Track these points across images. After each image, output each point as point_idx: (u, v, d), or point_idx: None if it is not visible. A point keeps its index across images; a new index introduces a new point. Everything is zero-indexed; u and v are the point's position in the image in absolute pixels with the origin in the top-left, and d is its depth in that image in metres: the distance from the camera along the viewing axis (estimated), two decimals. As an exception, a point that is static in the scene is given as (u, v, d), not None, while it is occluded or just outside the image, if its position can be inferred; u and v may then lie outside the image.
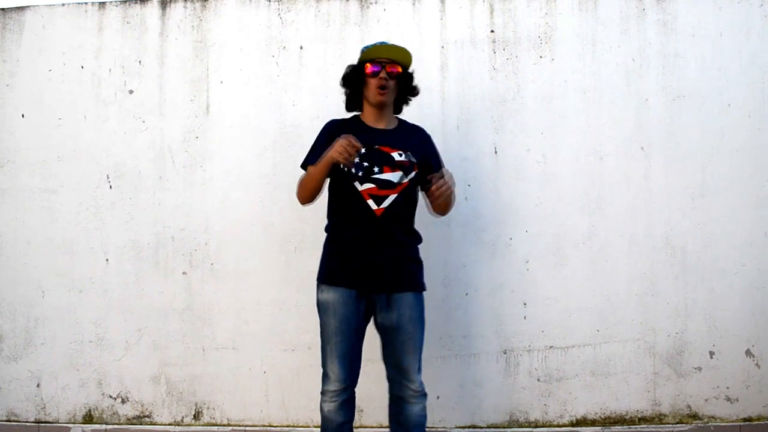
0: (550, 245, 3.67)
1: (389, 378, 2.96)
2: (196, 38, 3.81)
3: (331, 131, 3.01)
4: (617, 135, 3.67)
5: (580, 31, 3.70)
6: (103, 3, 3.85)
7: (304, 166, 3.06)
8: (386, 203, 2.86)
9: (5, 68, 3.86)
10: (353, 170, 2.87)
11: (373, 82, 2.92)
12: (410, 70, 3.05)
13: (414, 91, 3.10)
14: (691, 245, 3.65)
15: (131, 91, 3.82)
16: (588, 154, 3.67)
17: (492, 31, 3.73)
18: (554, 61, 3.70)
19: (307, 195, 3.01)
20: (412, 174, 2.92)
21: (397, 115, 3.12)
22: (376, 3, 3.76)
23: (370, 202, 2.86)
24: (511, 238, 3.68)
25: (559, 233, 3.67)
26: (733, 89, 3.66)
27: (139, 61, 3.82)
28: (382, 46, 2.98)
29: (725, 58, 3.67)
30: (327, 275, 2.98)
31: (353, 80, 3.01)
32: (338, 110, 3.64)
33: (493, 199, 3.67)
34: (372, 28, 3.75)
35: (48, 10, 3.87)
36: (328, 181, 3.00)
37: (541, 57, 3.71)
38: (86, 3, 3.85)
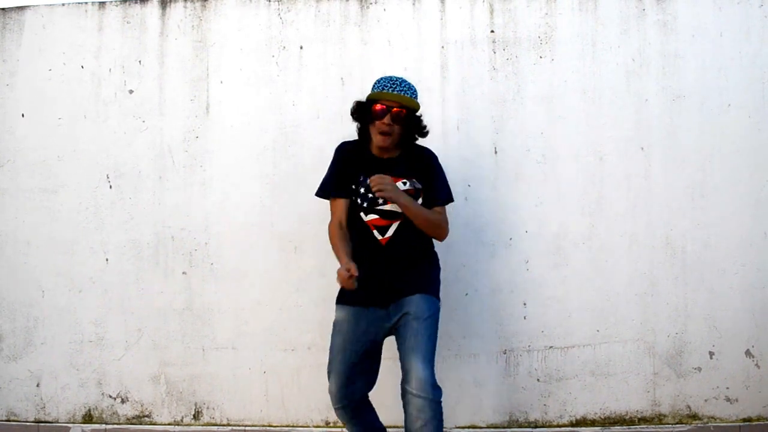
0: (549, 245, 3.67)
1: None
2: (196, 38, 3.81)
3: (344, 155, 3.07)
4: (617, 135, 3.67)
5: (580, 31, 3.70)
6: (103, 3, 3.85)
7: (323, 194, 3.12)
8: (390, 232, 2.93)
9: (5, 68, 3.86)
10: (359, 201, 2.96)
11: (377, 124, 2.93)
12: (418, 113, 3.04)
13: (422, 132, 3.07)
14: (690, 245, 3.65)
15: (131, 91, 3.82)
16: (588, 154, 3.67)
17: (492, 31, 3.73)
18: (554, 62, 3.70)
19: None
20: (419, 201, 2.97)
21: None
22: (376, 3, 3.75)
23: (375, 233, 2.94)
24: (510, 239, 3.68)
25: (559, 233, 3.67)
26: (733, 89, 3.65)
27: (139, 61, 3.82)
28: (391, 93, 2.92)
29: (725, 58, 3.66)
30: (340, 296, 3.00)
31: (362, 114, 3.03)
32: (338, 110, 3.69)
33: (493, 200, 3.67)
34: (372, 28, 3.74)
35: (48, 9, 3.87)
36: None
37: (541, 57, 3.70)
38: (86, 3, 3.85)
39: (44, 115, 3.84)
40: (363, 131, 3.06)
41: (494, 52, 3.72)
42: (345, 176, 3.03)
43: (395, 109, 2.90)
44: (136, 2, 3.84)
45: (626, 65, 3.68)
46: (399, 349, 2.87)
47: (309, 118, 3.72)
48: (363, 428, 3.02)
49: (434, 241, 3.13)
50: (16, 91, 3.86)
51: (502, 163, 3.69)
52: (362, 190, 2.95)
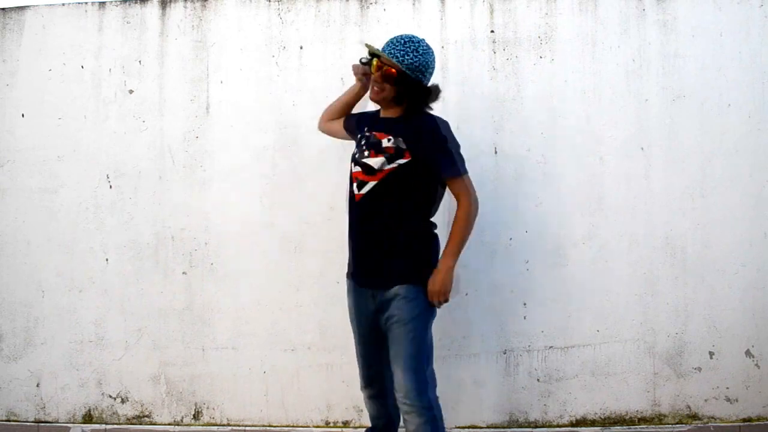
0: (550, 245, 3.67)
1: None
2: (196, 38, 3.81)
3: (366, 112, 3.20)
4: (617, 135, 3.66)
5: (580, 31, 3.69)
6: (103, 3, 3.84)
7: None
8: (365, 189, 2.82)
9: (5, 68, 3.86)
10: (354, 150, 2.97)
11: (373, 80, 2.93)
12: (414, 76, 2.84)
13: (420, 98, 2.89)
14: (691, 245, 3.65)
15: (131, 91, 3.81)
16: (588, 154, 3.67)
17: (492, 32, 3.73)
18: (554, 62, 3.69)
19: (324, 116, 3.36)
20: (400, 161, 2.78)
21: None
22: (376, 3, 3.75)
23: (354, 186, 2.88)
24: (511, 239, 3.68)
25: (559, 233, 3.67)
26: (733, 90, 3.65)
27: (139, 61, 3.82)
28: (381, 48, 2.88)
29: (725, 58, 3.66)
30: (348, 268, 3.03)
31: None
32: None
33: (493, 200, 3.67)
34: (372, 28, 3.74)
35: (48, 9, 3.86)
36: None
37: (541, 57, 3.70)
38: (86, 3, 3.85)
39: (44, 115, 3.83)
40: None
41: (494, 52, 3.72)
42: (360, 118, 3.15)
43: (385, 68, 2.83)
44: (136, 2, 3.84)
45: (626, 65, 3.68)
46: (387, 353, 2.83)
47: (309, 119, 3.71)
48: (381, 412, 3.06)
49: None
50: (16, 91, 3.85)
51: (502, 163, 3.69)
52: (360, 141, 2.96)
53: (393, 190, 2.80)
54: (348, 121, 3.22)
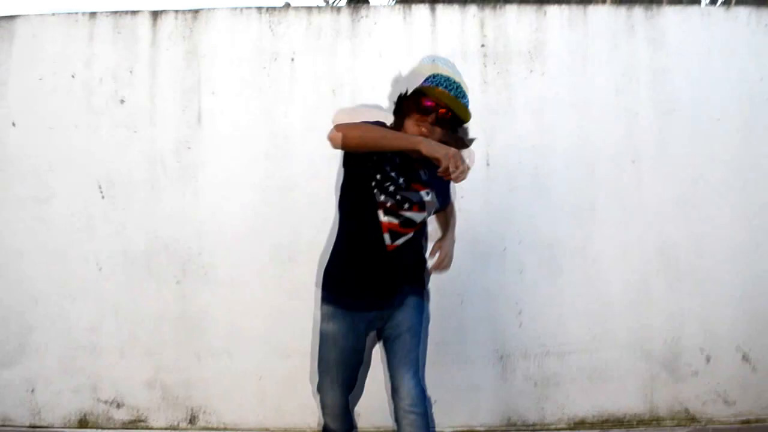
0: (543, 255, 3.72)
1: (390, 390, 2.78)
2: (187, 48, 3.80)
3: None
4: (608, 148, 3.71)
5: (570, 46, 3.72)
6: (94, 13, 3.83)
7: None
8: (401, 240, 2.66)
9: (-4, 77, 3.85)
10: (381, 197, 2.63)
11: (416, 118, 2.61)
12: (464, 126, 2.72)
13: (462, 143, 2.71)
14: (684, 254, 3.71)
15: (122, 101, 3.81)
16: (579, 166, 3.71)
17: (483, 45, 3.74)
18: (545, 75, 3.72)
19: (360, 144, 2.57)
20: (432, 212, 2.79)
21: None
22: (367, 16, 3.75)
23: (386, 236, 2.65)
24: (504, 249, 3.71)
25: (552, 243, 3.71)
26: (721, 103, 3.70)
27: (131, 71, 3.81)
28: (451, 96, 2.60)
29: (713, 73, 3.70)
30: (330, 296, 2.76)
31: (400, 105, 2.70)
32: (329, 121, 3.68)
33: (486, 211, 3.70)
34: (363, 40, 3.74)
35: (39, 19, 3.85)
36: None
37: (531, 71, 3.72)
38: (77, 12, 3.83)
39: (35, 125, 3.82)
40: (397, 125, 2.69)
41: (485, 66, 3.73)
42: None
43: (442, 110, 2.58)
44: (126, 12, 3.82)
45: (616, 80, 3.71)
46: (390, 360, 2.76)
47: (300, 129, 3.73)
48: (350, 425, 2.91)
49: None
50: (6, 100, 3.84)
51: (494, 175, 3.72)
52: (390, 187, 2.63)
53: (421, 235, 2.78)
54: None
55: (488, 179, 3.71)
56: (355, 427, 2.98)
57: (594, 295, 3.71)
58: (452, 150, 2.43)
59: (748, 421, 3.69)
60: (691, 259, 3.70)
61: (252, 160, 3.76)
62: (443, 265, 2.82)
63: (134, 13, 3.81)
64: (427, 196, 2.69)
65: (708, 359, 3.69)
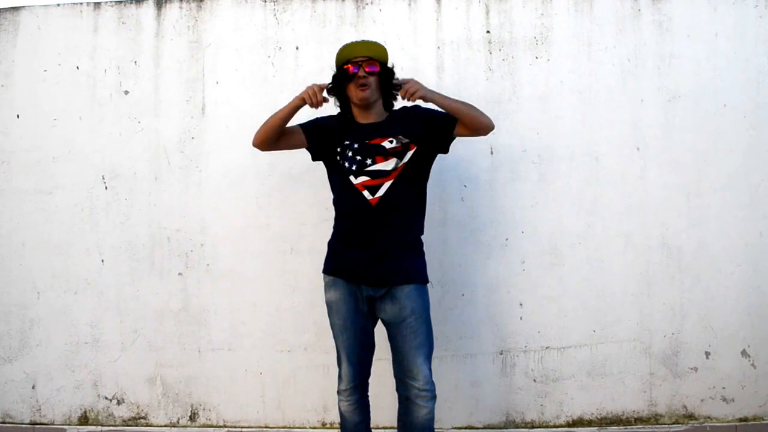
0: (546, 246, 3.68)
1: (395, 377, 2.94)
2: (191, 39, 3.80)
3: (330, 117, 3.11)
4: (613, 135, 3.68)
5: (575, 31, 3.71)
6: (98, 3, 3.84)
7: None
8: (381, 191, 2.87)
9: (0, 69, 3.85)
10: (345, 165, 2.93)
11: (354, 82, 2.92)
12: (390, 65, 3.02)
13: (396, 86, 2.99)
14: (686, 245, 3.66)
15: (126, 92, 3.81)
16: (584, 154, 3.68)
17: (488, 32, 3.73)
18: (550, 62, 3.70)
19: (261, 137, 3.05)
20: (409, 154, 2.91)
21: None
22: (371, 3, 3.75)
23: (365, 193, 2.89)
24: (507, 239, 3.68)
25: (554, 233, 3.67)
26: (728, 90, 3.67)
27: (135, 62, 3.81)
28: (356, 44, 2.96)
29: (720, 58, 3.68)
30: (329, 266, 3.01)
31: (338, 85, 3.00)
32: (334, 110, 3.64)
33: (489, 200, 3.67)
34: (368, 28, 3.74)
35: (43, 10, 3.86)
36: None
37: (536, 57, 3.71)
38: (81, 3, 3.84)
39: (39, 116, 3.83)
40: (344, 106, 3.06)
41: (490, 53, 3.72)
42: (322, 127, 3.08)
43: (366, 64, 2.91)
44: (131, 3, 3.83)
45: (622, 65, 3.69)
46: (399, 345, 2.88)
47: (305, 119, 3.67)
48: (365, 415, 3.02)
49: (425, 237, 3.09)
50: (11, 92, 3.85)
51: (498, 163, 3.69)
52: (349, 153, 2.93)
53: (410, 184, 2.95)
54: (310, 130, 3.11)
55: (492, 168, 3.69)
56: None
57: (595, 288, 3.67)
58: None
59: (746, 419, 3.63)
60: (693, 250, 3.66)
61: (256, 150, 3.72)
62: (409, 86, 2.87)
63: (138, 3, 3.83)
64: (390, 144, 2.92)
65: (707, 355, 3.64)
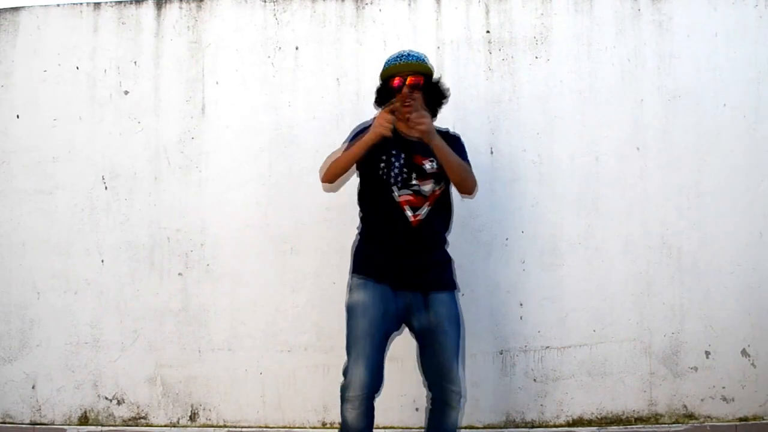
0: (546, 245, 3.68)
1: (430, 382, 2.89)
2: (191, 39, 3.81)
3: (365, 131, 2.93)
4: (613, 135, 3.68)
5: (575, 31, 3.71)
6: (98, 4, 3.84)
7: (349, 141, 3.01)
8: (422, 213, 2.86)
9: (0, 69, 3.85)
10: (391, 178, 2.84)
11: (398, 97, 2.81)
12: (435, 78, 2.99)
13: (444, 96, 3.01)
14: (686, 245, 3.66)
15: (126, 92, 3.81)
16: (584, 154, 3.68)
17: (488, 32, 3.73)
18: (550, 62, 3.71)
19: (336, 173, 2.94)
20: (443, 182, 2.92)
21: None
22: (371, 3, 3.76)
23: (407, 211, 2.85)
24: (507, 239, 3.68)
25: (555, 233, 3.68)
26: (728, 89, 3.67)
27: (135, 62, 3.82)
28: (400, 63, 2.89)
29: (720, 58, 3.68)
30: (362, 267, 2.92)
31: (383, 98, 2.94)
32: (334, 111, 3.70)
33: (489, 200, 3.68)
34: (368, 28, 3.75)
35: (43, 10, 3.87)
36: (357, 179, 3.05)
37: (536, 57, 3.71)
38: (81, 4, 3.85)
39: (39, 117, 3.83)
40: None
41: (490, 53, 3.73)
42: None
43: (411, 78, 2.85)
44: (131, 3, 3.84)
45: (622, 65, 3.69)
46: (436, 350, 2.84)
47: (305, 119, 3.72)
48: (371, 421, 2.88)
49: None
50: (11, 92, 3.85)
51: (497, 163, 3.70)
52: (396, 165, 2.85)
53: (441, 209, 2.97)
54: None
55: (492, 168, 3.69)
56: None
57: (595, 287, 3.67)
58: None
59: (746, 419, 3.63)
60: (694, 250, 3.66)
61: (256, 150, 3.75)
62: (420, 117, 2.75)
63: (138, 3, 3.83)
64: (430, 165, 2.87)
65: (707, 355, 3.64)
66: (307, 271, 3.69)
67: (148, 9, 3.83)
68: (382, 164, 2.87)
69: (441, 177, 2.89)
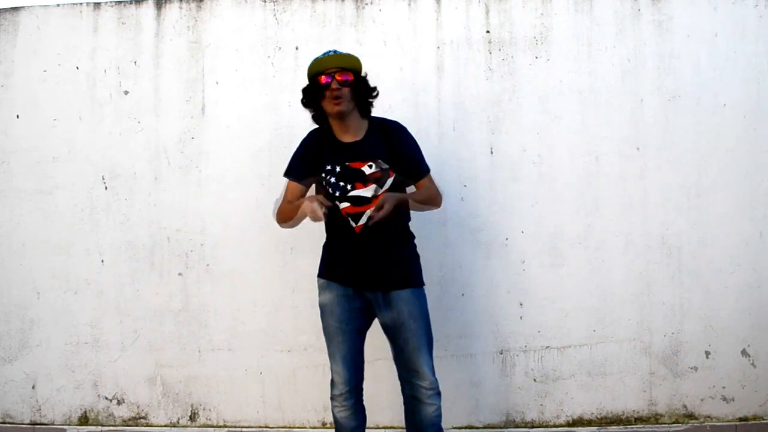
0: (546, 245, 3.68)
1: (400, 378, 2.95)
2: (191, 39, 3.80)
3: (310, 142, 3.07)
4: (613, 135, 3.68)
5: (575, 31, 3.71)
6: (98, 4, 3.84)
7: (286, 175, 3.08)
8: (363, 219, 2.86)
9: (0, 69, 3.85)
10: (330, 190, 2.90)
11: (327, 95, 2.86)
12: (363, 74, 2.98)
13: (372, 94, 2.99)
14: (686, 245, 3.66)
15: (126, 92, 3.81)
16: (584, 154, 3.68)
17: (488, 32, 3.73)
18: (550, 62, 3.70)
19: (284, 220, 3.05)
20: (389, 181, 2.91)
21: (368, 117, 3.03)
22: (371, 3, 3.75)
23: (350, 220, 2.89)
24: (507, 239, 3.68)
25: (555, 233, 3.67)
26: (728, 89, 3.67)
27: (135, 62, 3.81)
28: (328, 57, 2.91)
29: (720, 58, 3.68)
30: (324, 270, 3.01)
31: (311, 98, 2.96)
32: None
33: (489, 200, 3.68)
34: (367, 28, 3.74)
35: (43, 10, 3.86)
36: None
37: (536, 57, 3.71)
38: (81, 4, 3.85)
39: (39, 117, 3.83)
40: (320, 117, 3.02)
41: (490, 53, 3.72)
42: (308, 162, 3.01)
43: (338, 74, 2.85)
44: (131, 3, 3.83)
45: (622, 65, 3.69)
46: (401, 348, 2.89)
47: (305, 119, 3.64)
48: (362, 419, 2.98)
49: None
50: (10, 92, 3.85)
51: (497, 163, 3.69)
52: (332, 179, 2.90)
53: (394, 216, 2.88)
54: (304, 176, 3.05)
55: (492, 168, 3.69)
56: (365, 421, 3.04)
57: (595, 287, 3.67)
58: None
59: (746, 419, 3.63)
60: (694, 250, 3.66)
61: (256, 150, 3.75)
62: (376, 211, 2.77)
63: (138, 3, 3.83)
64: (369, 169, 2.89)
65: (707, 355, 3.64)
66: (307, 270, 3.67)
67: (148, 9, 3.82)
68: (323, 180, 2.95)
69: (384, 178, 2.91)
